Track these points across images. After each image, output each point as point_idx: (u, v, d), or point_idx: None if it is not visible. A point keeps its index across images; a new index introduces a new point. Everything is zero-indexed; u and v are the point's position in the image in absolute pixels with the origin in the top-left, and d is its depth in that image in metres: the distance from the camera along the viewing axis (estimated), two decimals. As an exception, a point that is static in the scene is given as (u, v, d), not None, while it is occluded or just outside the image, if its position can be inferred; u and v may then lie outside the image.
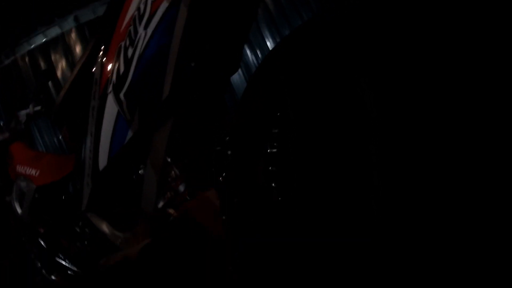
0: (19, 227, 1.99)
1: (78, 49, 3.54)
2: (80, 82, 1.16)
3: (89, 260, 1.68)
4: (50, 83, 2.93)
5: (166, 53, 0.83)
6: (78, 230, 1.56)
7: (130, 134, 0.94)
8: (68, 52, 3.57)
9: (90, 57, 1.11)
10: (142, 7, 0.83)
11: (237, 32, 1.11)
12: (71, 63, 3.50)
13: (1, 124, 1.96)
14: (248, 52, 3.39)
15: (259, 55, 3.41)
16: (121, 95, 0.88)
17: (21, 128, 1.99)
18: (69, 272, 1.97)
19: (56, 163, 1.69)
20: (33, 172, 1.66)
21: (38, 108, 2.00)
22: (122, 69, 0.87)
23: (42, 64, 3.54)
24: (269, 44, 3.41)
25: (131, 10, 0.86)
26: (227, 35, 1.00)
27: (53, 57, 3.58)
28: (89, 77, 1.09)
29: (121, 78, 0.87)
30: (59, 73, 3.35)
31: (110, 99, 0.91)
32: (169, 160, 0.98)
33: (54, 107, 1.32)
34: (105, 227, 1.31)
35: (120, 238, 1.28)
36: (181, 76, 0.86)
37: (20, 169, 1.75)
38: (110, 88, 0.90)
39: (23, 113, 1.98)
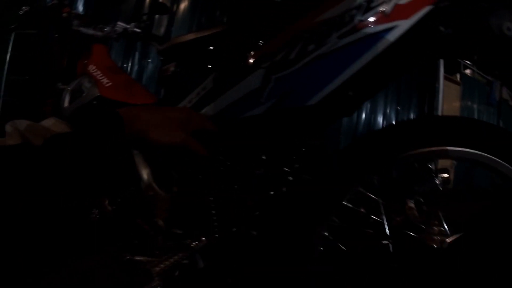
0: (52, 115, 1.95)
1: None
2: (213, 39, 1.15)
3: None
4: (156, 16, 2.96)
5: (340, 70, 0.82)
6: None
7: (249, 113, 0.91)
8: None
9: (236, 28, 1.12)
10: (347, 18, 0.82)
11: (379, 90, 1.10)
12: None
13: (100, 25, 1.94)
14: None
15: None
16: (274, 76, 0.86)
17: (112, 36, 1.98)
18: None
19: (130, 86, 1.65)
20: (104, 80, 1.63)
21: (138, 30, 2.00)
22: (292, 56, 0.85)
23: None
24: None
25: (330, 13, 0.85)
26: (377, 87, 0.99)
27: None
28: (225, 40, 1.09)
29: (286, 63, 0.85)
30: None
31: (259, 73, 0.89)
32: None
33: (174, 41, 1.31)
34: (144, 173, 1.26)
35: (154, 192, 1.23)
36: (334, 97, 0.84)
37: (92, 69, 1.72)
38: (266, 64, 0.88)
39: (122, 25, 1.98)
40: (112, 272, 1.29)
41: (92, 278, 1.26)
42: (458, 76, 4.78)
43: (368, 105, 3.50)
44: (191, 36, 1.21)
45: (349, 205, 1.06)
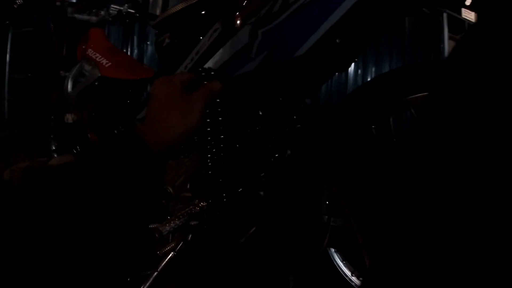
0: (58, 104, 2.00)
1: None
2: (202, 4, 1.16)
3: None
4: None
5: (323, 18, 0.83)
6: (115, 132, 1.55)
7: (242, 70, 0.94)
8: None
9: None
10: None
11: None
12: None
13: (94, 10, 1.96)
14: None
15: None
16: (260, 31, 0.88)
17: (107, 19, 2.00)
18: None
19: (129, 64, 1.69)
20: (104, 61, 1.67)
21: (132, 11, 2.01)
22: (276, 9, 0.86)
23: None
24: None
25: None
26: (364, 36, 0.99)
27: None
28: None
29: (270, 16, 0.87)
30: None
31: (245, 30, 0.91)
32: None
33: (166, 13, 1.32)
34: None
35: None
36: (323, 43, 0.86)
37: (91, 53, 1.76)
38: (252, 20, 0.90)
39: (115, 8, 2.00)
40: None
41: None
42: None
43: (373, 68, 3.48)
44: (180, 6, 1.23)
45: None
